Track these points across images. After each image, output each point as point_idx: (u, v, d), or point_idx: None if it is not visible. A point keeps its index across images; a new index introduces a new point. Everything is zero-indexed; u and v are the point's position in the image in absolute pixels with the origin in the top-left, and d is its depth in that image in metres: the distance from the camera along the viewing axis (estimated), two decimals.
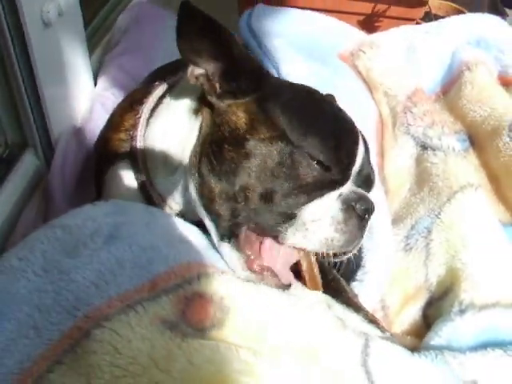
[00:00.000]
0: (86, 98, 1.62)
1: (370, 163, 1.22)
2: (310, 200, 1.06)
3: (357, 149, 1.14)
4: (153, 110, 1.28)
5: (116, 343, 0.84)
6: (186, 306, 0.91)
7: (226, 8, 2.29)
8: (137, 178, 1.27)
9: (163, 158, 1.23)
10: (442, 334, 1.20)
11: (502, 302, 1.26)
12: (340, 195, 1.09)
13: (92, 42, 1.80)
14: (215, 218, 1.11)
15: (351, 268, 1.31)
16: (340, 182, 1.10)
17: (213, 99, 1.16)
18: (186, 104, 1.23)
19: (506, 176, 1.57)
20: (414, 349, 1.14)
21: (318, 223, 1.05)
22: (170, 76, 1.35)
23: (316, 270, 1.18)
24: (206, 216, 1.13)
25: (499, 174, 1.60)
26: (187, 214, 1.22)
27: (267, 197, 1.06)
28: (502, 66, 1.82)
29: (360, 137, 1.17)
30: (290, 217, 1.06)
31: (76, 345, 0.85)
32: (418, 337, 1.29)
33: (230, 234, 1.10)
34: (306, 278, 1.17)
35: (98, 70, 1.75)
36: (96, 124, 1.50)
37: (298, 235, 1.05)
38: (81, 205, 1.18)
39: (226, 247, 1.10)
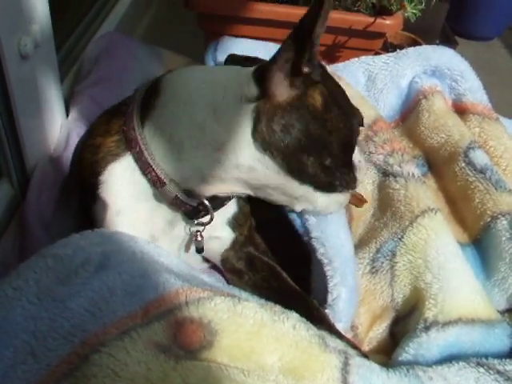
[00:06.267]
0: (58, 128, 1.65)
1: None
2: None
3: None
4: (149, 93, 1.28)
5: (114, 367, 0.88)
6: (178, 330, 0.96)
7: (193, 41, 2.33)
8: (141, 167, 1.24)
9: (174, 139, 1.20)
10: (409, 350, 1.28)
11: (462, 319, 1.35)
12: None
13: (61, 72, 1.82)
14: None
15: (321, 297, 1.37)
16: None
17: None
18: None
19: (463, 199, 1.67)
20: (383, 366, 1.19)
21: None
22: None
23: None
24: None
25: (456, 198, 1.70)
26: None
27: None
28: (456, 94, 1.93)
29: None
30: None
31: (75, 369, 0.89)
32: (386, 354, 1.37)
33: None
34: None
35: (69, 101, 1.77)
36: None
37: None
38: (58, 232, 1.20)
39: None
